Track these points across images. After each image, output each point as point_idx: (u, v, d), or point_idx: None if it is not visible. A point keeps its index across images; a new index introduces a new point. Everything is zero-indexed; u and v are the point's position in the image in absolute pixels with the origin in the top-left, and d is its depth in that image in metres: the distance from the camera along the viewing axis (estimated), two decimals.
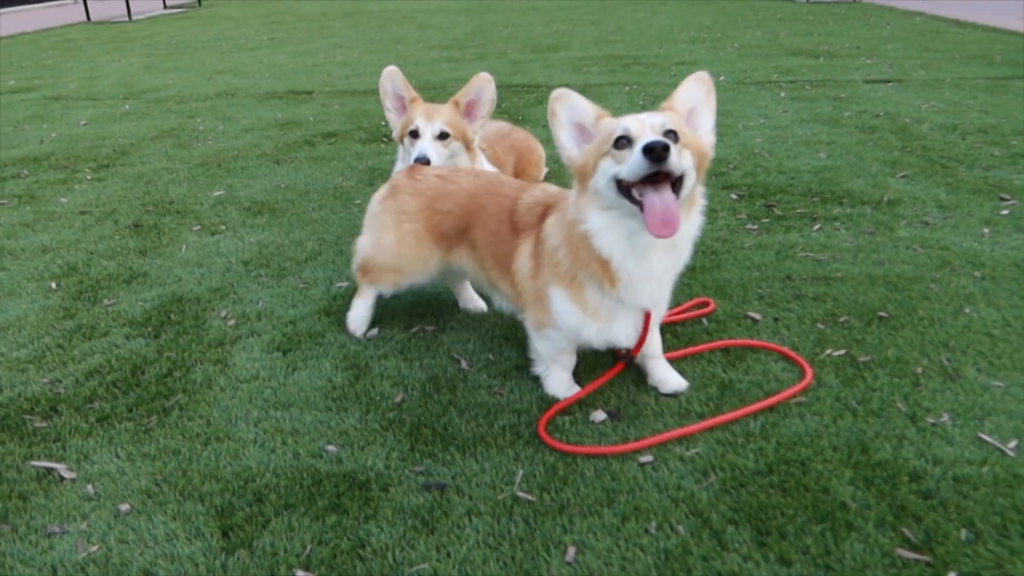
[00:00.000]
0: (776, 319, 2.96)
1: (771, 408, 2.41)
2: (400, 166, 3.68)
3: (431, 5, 16.77)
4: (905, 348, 2.72)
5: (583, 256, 2.22)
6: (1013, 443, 2.21)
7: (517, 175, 4.36)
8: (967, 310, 2.96)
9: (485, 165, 3.82)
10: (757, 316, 2.98)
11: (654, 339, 2.52)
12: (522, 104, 6.75)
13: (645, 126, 2.05)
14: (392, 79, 3.58)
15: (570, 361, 2.56)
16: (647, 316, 2.33)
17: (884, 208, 4.03)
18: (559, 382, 2.55)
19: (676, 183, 2.05)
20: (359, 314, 3.00)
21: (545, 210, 2.43)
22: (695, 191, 2.19)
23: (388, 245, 2.81)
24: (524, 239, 2.45)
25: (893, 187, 4.34)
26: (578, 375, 2.62)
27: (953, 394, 2.45)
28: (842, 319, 2.93)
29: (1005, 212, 3.90)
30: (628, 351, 2.46)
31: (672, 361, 2.66)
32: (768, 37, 10.23)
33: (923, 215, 3.91)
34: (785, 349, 2.72)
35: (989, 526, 1.92)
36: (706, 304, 3.08)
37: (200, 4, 18.58)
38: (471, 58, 9.39)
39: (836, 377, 2.57)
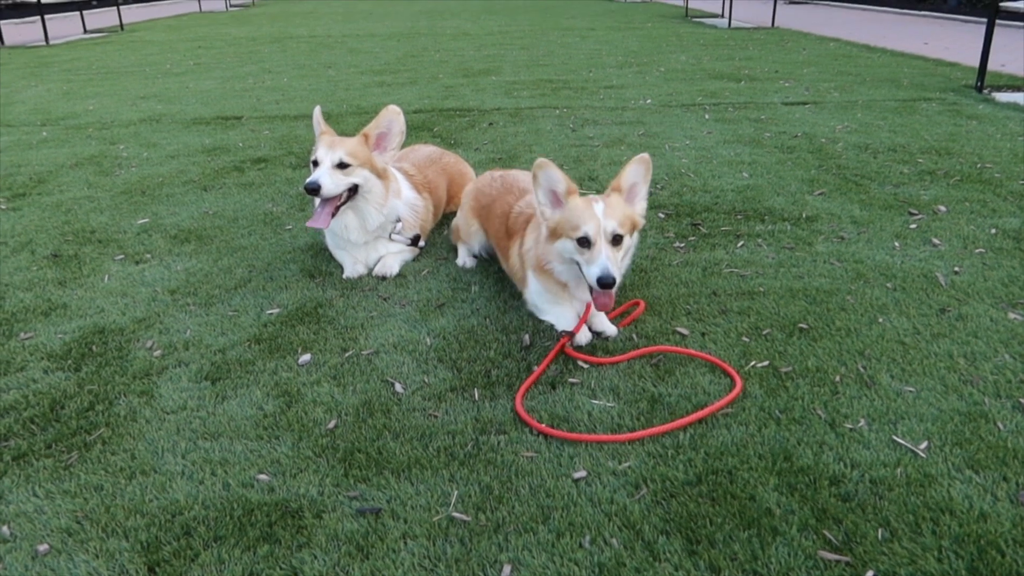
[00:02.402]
0: (703, 333, 3.05)
1: (700, 420, 2.48)
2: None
3: (361, 30, 16.77)
4: (824, 358, 2.84)
5: (546, 274, 3.07)
6: (924, 444, 2.33)
7: (449, 199, 4.40)
8: (880, 320, 3.10)
9: (405, 192, 3.86)
10: (685, 331, 3.07)
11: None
12: (454, 128, 6.80)
13: (600, 234, 2.79)
14: (315, 117, 3.70)
15: (564, 311, 3.17)
16: (588, 306, 3.03)
17: (803, 224, 4.20)
18: (561, 323, 3.15)
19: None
20: (462, 255, 3.88)
21: (528, 219, 3.27)
22: (632, 246, 3.03)
23: (460, 219, 3.91)
24: (515, 241, 3.30)
25: (811, 204, 4.53)
26: (529, 359, 2.66)
27: (869, 400, 2.57)
28: (765, 332, 3.04)
29: (913, 226, 4.11)
30: (571, 333, 3.01)
31: (609, 367, 2.84)
32: (692, 62, 10.57)
33: (839, 230, 4.09)
34: (717, 359, 2.80)
35: (903, 524, 2.01)
36: (637, 304, 3.26)
37: (123, 29, 18.12)
38: (403, 82, 9.42)
39: (760, 388, 2.66)
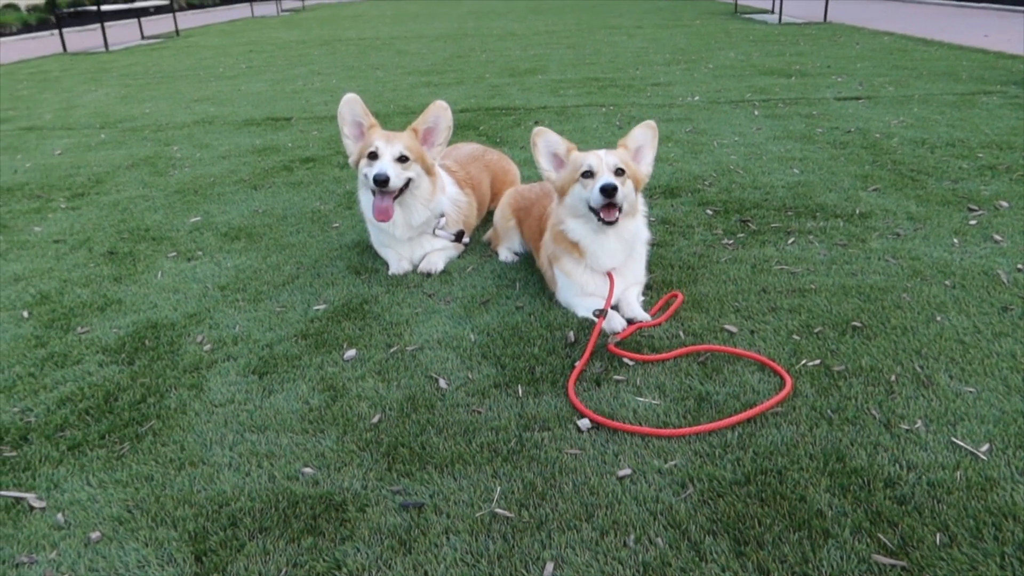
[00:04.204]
0: (752, 331, 2.98)
1: (749, 419, 2.42)
2: (363, 196, 3.70)
3: (409, 32, 16.91)
4: (879, 357, 2.75)
5: (560, 239, 3.19)
6: (985, 447, 2.23)
7: (493, 195, 4.39)
8: (938, 318, 2.99)
9: (449, 188, 3.85)
10: (733, 329, 3.00)
11: (631, 296, 3.22)
12: (500, 126, 6.80)
13: (603, 164, 3.00)
14: (351, 106, 3.60)
15: (588, 303, 3.18)
16: (611, 278, 3.13)
17: (856, 221, 4.09)
18: (582, 309, 3.19)
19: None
20: (503, 254, 3.89)
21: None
22: (636, 203, 3.17)
23: (497, 216, 3.96)
24: (543, 239, 3.38)
25: (865, 200, 4.40)
26: (573, 355, 2.63)
27: (926, 400, 2.47)
28: (817, 330, 2.96)
29: (973, 222, 3.96)
30: (602, 310, 3.01)
31: (655, 364, 2.80)
32: (741, 58, 10.39)
33: (894, 227, 3.97)
34: (765, 359, 2.74)
35: (963, 529, 1.93)
36: (675, 297, 3.26)
37: (178, 34, 18.61)
38: (450, 82, 9.46)
39: (812, 386, 2.59)
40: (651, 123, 3.17)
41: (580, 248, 3.11)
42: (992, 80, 7.86)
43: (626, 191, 2.98)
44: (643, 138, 3.16)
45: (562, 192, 3.12)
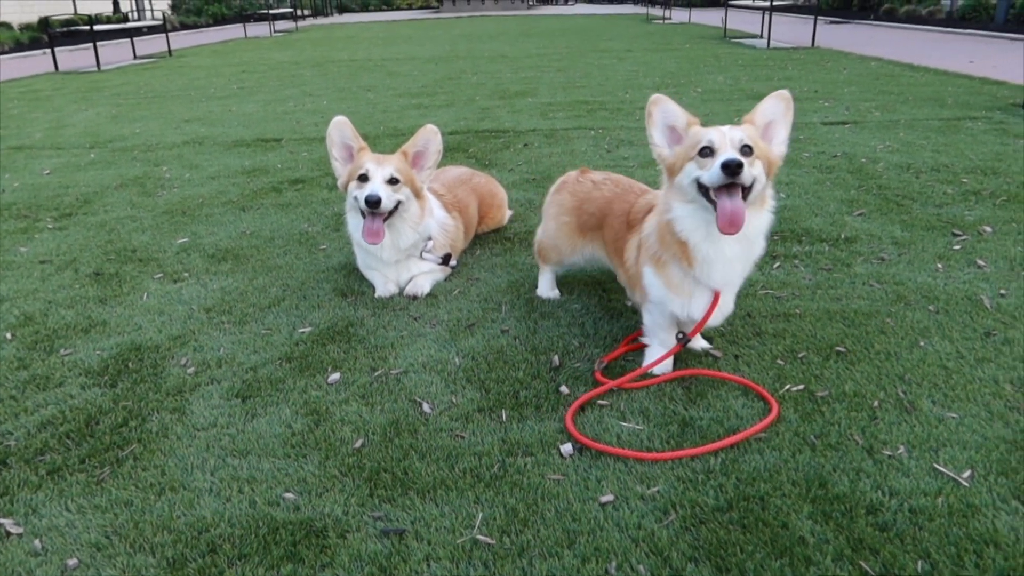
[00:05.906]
0: (736, 356, 2.99)
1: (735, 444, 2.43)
2: (351, 218, 3.71)
3: (401, 54, 17.02)
4: (862, 382, 2.76)
5: (667, 239, 2.63)
6: (967, 473, 2.24)
7: (480, 218, 4.40)
8: (922, 343, 3.01)
9: (437, 211, 3.86)
10: (718, 353, 3.01)
11: (719, 317, 2.81)
12: (489, 149, 6.83)
13: (726, 139, 2.44)
14: (340, 129, 3.62)
15: (668, 339, 2.89)
16: (716, 297, 2.66)
17: (842, 245, 4.12)
18: (654, 356, 2.88)
19: (746, 188, 2.43)
20: (544, 285, 3.63)
21: (650, 210, 2.86)
22: (765, 192, 2.57)
23: (550, 230, 3.46)
24: (633, 233, 2.92)
25: (850, 225, 4.44)
26: (558, 379, 2.62)
27: (909, 426, 2.48)
28: (801, 355, 2.97)
29: (957, 247, 4.00)
30: (685, 334, 2.82)
31: (639, 389, 2.75)
32: (730, 82, 10.50)
33: (879, 251, 4.00)
34: (752, 383, 2.74)
35: (945, 556, 1.93)
36: None
37: (171, 54, 18.67)
38: (440, 104, 9.51)
39: (795, 412, 2.59)
40: (784, 93, 2.59)
41: (689, 250, 2.57)
42: (977, 106, 7.97)
43: (755, 172, 2.44)
44: (774, 111, 2.60)
45: (672, 171, 2.59)
